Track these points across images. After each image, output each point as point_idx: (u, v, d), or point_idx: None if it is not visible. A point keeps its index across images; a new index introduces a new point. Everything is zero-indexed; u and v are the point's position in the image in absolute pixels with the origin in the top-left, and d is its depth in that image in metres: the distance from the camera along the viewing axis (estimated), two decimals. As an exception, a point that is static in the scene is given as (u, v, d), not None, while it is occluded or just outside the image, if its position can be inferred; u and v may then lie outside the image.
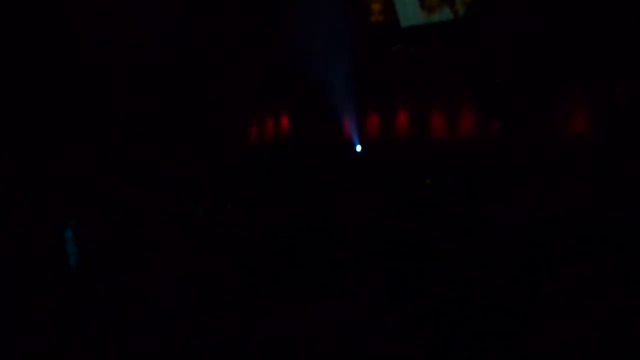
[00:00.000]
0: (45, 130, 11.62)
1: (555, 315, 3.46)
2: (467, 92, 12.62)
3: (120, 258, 3.49)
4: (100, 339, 3.22)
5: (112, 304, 3.22)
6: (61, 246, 4.34)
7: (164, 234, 3.86)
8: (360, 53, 13.62)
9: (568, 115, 11.22)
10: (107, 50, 12.49)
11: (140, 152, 12.85)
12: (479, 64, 11.73)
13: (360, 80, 13.43)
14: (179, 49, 13.08)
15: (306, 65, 12.66)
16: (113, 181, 6.23)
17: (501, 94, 11.61)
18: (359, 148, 14.39)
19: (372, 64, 13.58)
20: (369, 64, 13.58)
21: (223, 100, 14.45)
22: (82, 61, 12.26)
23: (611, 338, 2.99)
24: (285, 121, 16.44)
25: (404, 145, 13.22)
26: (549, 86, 10.88)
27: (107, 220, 4.43)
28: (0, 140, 10.25)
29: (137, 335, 3.07)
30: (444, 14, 13.00)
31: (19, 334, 3.04)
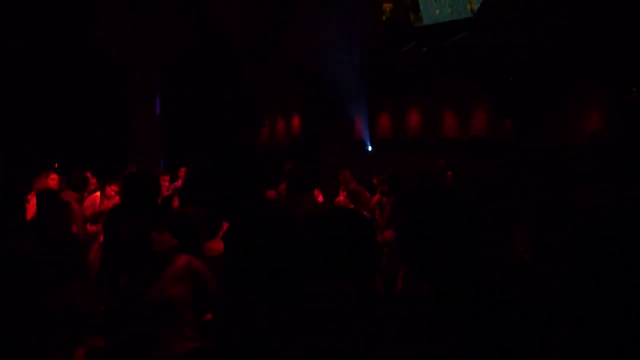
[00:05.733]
0: (59, 127, 11.77)
1: (566, 319, 3.41)
2: (479, 92, 12.55)
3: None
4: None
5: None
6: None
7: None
8: (371, 53, 13.61)
9: (582, 114, 11.11)
10: (123, 50, 12.61)
11: (151, 152, 12.94)
12: (492, 63, 11.66)
13: (371, 80, 13.41)
14: (191, 51, 13.13)
15: (317, 65, 12.67)
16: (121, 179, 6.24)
17: (514, 93, 11.52)
18: (370, 147, 14.39)
19: (384, 63, 13.54)
20: (381, 63, 13.56)
21: (235, 100, 14.50)
22: (98, 61, 12.38)
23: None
24: (296, 121, 16.48)
25: (416, 145, 13.18)
26: (562, 85, 10.79)
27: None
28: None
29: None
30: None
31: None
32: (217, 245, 3.59)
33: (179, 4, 13.14)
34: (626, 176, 6.41)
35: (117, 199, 5.60)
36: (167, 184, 7.23)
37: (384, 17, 14.34)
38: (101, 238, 4.55)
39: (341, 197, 6.40)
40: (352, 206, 5.57)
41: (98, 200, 5.99)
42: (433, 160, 10.14)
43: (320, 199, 5.87)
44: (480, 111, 13.06)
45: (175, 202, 4.56)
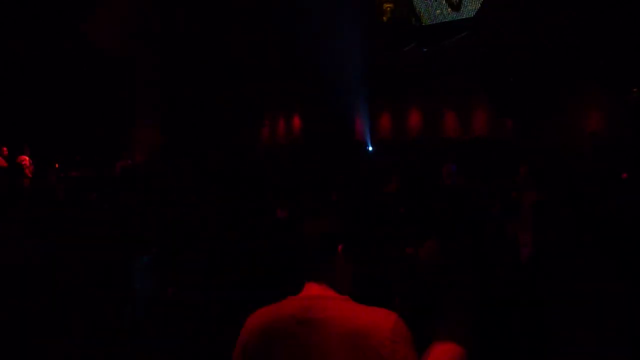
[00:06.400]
0: (58, 128, 11.76)
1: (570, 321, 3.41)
2: (479, 92, 12.54)
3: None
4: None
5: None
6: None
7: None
8: (372, 53, 13.61)
9: (582, 114, 11.11)
10: (122, 50, 12.62)
11: (152, 153, 12.93)
12: (492, 63, 11.66)
13: (372, 80, 13.41)
14: (191, 50, 13.13)
15: (318, 65, 12.67)
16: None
17: (514, 93, 11.52)
18: (370, 148, 14.38)
19: (384, 63, 13.54)
20: (381, 63, 13.55)
21: (235, 100, 14.49)
22: (98, 61, 12.39)
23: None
24: (296, 121, 16.48)
25: (416, 145, 13.17)
26: (562, 85, 10.79)
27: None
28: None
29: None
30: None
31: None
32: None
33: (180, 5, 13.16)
34: (627, 176, 6.43)
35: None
36: None
37: (384, 18, 14.35)
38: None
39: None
40: None
41: None
42: (434, 161, 10.14)
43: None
44: (480, 111, 13.05)
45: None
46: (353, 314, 1.46)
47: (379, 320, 1.43)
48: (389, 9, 14.34)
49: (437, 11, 13.44)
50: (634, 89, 10.27)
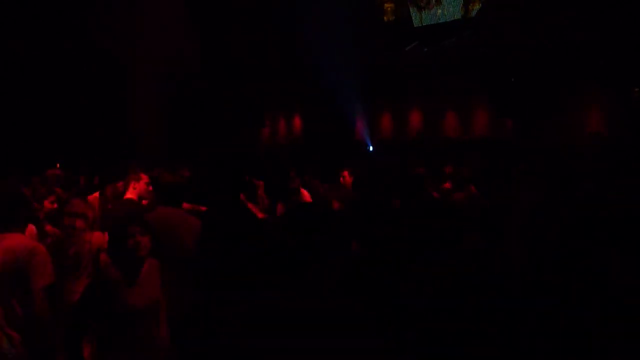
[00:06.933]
0: (60, 126, 11.77)
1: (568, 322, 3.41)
2: (480, 92, 12.55)
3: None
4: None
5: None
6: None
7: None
8: (372, 53, 13.61)
9: (582, 114, 11.12)
10: (123, 50, 12.62)
11: (151, 152, 12.92)
12: (492, 63, 11.67)
13: (372, 80, 13.41)
14: (191, 50, 13.13)
15: (318, 65, 12.67)
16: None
17: (514, 93, 11.53)
18: (371, 148, 14.38)
19: (385, 63, 13.54)
20: (381, 63, 13.56)
21: (235, 100, 14.50)
22: (99, 61, 12.40)
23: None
24: (297, 121, 16.48)
25: (416, 145, 13.18)
26: (562, 85, 10.80)
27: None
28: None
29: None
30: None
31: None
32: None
33: (180, 4, 13.16)
34: (626, 176, 6.43)
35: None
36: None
37: (385, 18, 14.35)
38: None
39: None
40: None
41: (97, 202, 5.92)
42: (434, 161, 10.12)
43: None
44: (480, 111, 13.06)
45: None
46: None
47: None
48: (389, 9, 14.34)
49: (439, 11, 13.45)
50: (635, 89, 10.28)
